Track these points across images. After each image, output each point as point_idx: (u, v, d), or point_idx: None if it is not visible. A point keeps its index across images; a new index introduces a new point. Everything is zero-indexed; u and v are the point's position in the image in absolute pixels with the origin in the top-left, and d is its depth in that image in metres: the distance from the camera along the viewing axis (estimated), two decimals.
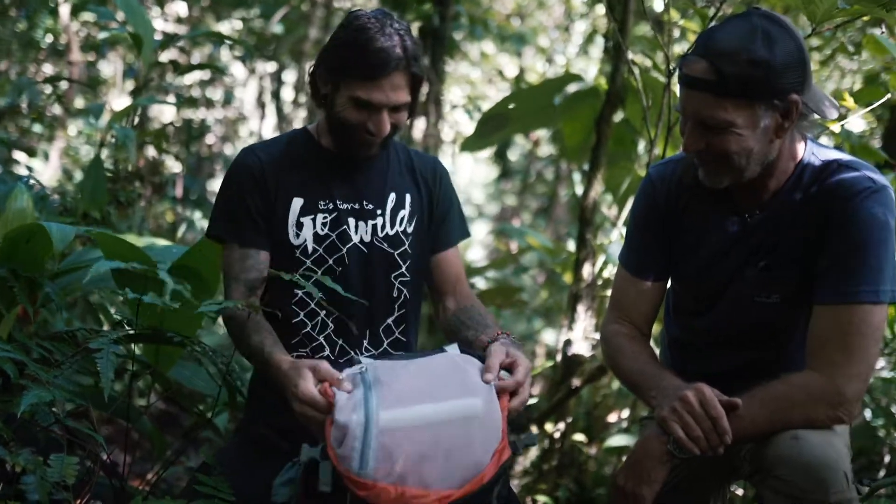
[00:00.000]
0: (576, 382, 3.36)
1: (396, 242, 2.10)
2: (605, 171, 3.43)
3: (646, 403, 1.96)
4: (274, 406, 1.96)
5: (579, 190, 5.77)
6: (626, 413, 4.46)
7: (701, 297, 2.02)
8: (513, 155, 9.94)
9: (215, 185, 8.62)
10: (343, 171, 2.08)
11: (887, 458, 3.26)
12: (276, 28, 7.87)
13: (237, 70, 9.58)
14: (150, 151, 3.66)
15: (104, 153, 3.33)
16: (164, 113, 7.43)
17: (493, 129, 3.50)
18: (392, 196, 2.11)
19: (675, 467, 1.81)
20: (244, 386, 2.28)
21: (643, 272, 2.06)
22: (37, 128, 6.17)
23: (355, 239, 2.06)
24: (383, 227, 2.08)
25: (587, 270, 3.41)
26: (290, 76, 9.61)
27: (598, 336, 3.49)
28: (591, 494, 3.75)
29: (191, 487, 1.84)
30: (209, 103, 8.40)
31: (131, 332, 2.05)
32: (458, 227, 2.23)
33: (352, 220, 2.06)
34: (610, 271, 3.50)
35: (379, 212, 2.09)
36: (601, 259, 3.53)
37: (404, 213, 2.12)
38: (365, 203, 2.08)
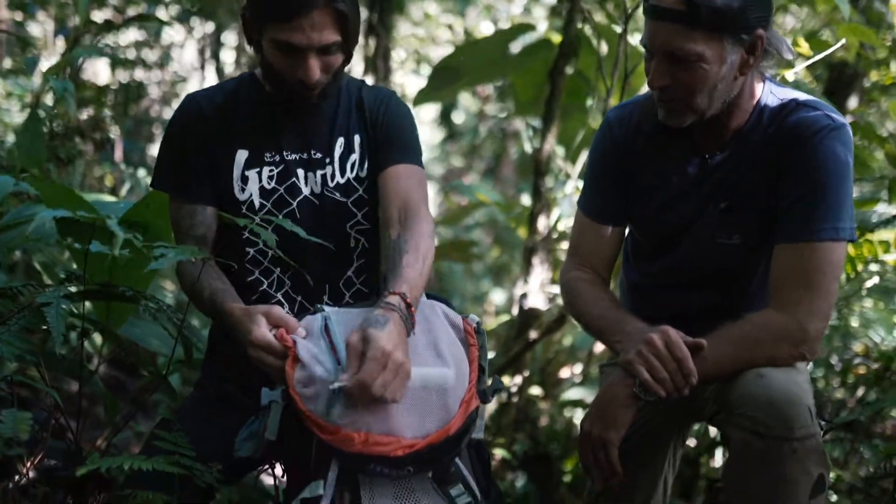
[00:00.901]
0: (533, 335, 3.36)
1: (349, 190, 1.99)
2: (559, 124, 3.41)
3: (610, 348, 1.96)
4: (234, 360, 1.90)
5: (529, 146, 5.77)
6: (578, 368, 4.50)
7: (661, 240, 2.02)
8: (458, 117, 9.88)
9: (155, 148, 8.39)
10: (289, 118, 1.97)
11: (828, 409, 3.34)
12: None
13: (174, 33, 9.28)
14: (87, 112, 3.52)
15: (40, 111, 3.18)
16: (100, 75, 7.17)
17: (445, 82, 3.44)
18: (340, 141, 2.00)
19: (639, 410, 1.81)
20: (201, 343, 2.22)
21: (602, 217, 2.05)
22: None
23: (305, 191, 1.97)
24: (333, 176, 1.98)
25: (542, 223, 3.40)
26: (230, 37, 9.36)
27: (554, 289, 3.49)
28: (546, 449, 3.78)
29: (150, 444, 1.79)
30: (146, 65, 8.14)
31: (79, 288, 1.97)
32: (401, 150, 1.97)
33: (300, 172, 1.97)
34: (565, 224, 3.49)
35: (327, 160, 1.98)
36: (556, 212, 3.52)
37: (354, 157, 2.00)
38: (312, 152, 1.98)
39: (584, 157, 3.66)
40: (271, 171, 1.96)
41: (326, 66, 1.85)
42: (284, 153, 1.97)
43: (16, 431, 1.42)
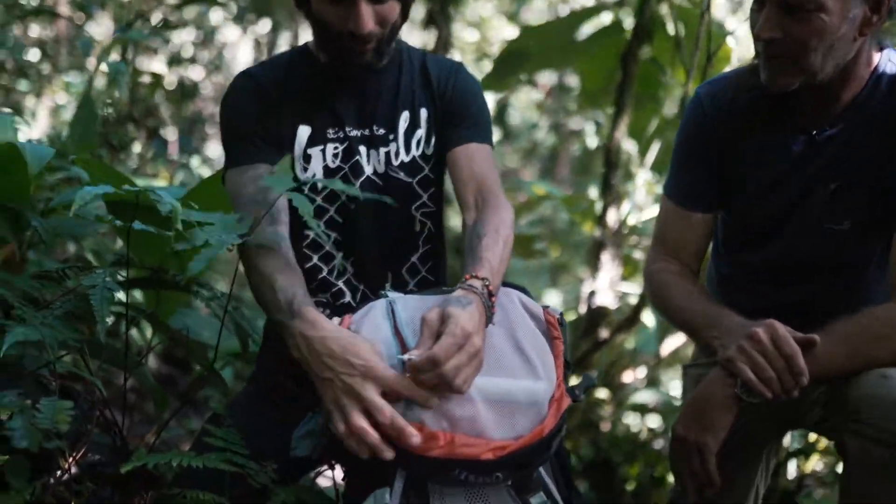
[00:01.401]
0: (603, 335, 3.17)
1: (414, 169, 1.84)
2: (631, 114, 3.22)
3: (704, 346, 1.77)
4: (289, 354, 1.77)
5: (594, 142, 5.58)
6: (642, 372, 4.29)
7: (759, 227, 1.82)
8: (513, 118, 9.71)
9: (209, 148, 8.37)
10: (348, 91, 1.82)
11: None
12: None
13: (230, 32, 9.27)
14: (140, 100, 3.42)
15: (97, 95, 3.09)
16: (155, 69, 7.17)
17: (510, 69, 3.27)
18: (405, 115, 1.84)
19: (739, 414, 1.62)
20: (257, 335, 2.08)
21: (692, 203, 1.86)
22: (23, 85, 5.91)
23: (367, 171, 1.82)
24: (397, 153, 1.83)
25: (612, 218, 3.21)
26: (285, 37, 9.32)
27: (624, 287, 3.31)
28: (608, 455, 3.58)
29: (200, 440, 1.65)
30: (200, 64, 8.13)
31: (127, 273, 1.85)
32: (473, 128, 1.82)
33: (363, 149, 1.82)
34: (636, 218, 3.30)
35: (391, 137, 1.83)
36: (626, 206, 3.33)
37: (420, 133, 1.84)
38: (375, 128, 1.83)
39: (656, 148, 3.47)
40: (336, 148, 1.81)
41: (380, 17, 1.69)
42: (347, 129, 1.82)
43: (55, 423, 1.29)
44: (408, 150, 1.84)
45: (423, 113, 1.85)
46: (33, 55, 5.69)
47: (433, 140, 1.85)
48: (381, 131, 1.83)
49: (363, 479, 1.47)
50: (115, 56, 3.08)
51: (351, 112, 1.82)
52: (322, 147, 1.81)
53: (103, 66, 2.86)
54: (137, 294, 2.29)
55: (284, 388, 1.83)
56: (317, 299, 1.81)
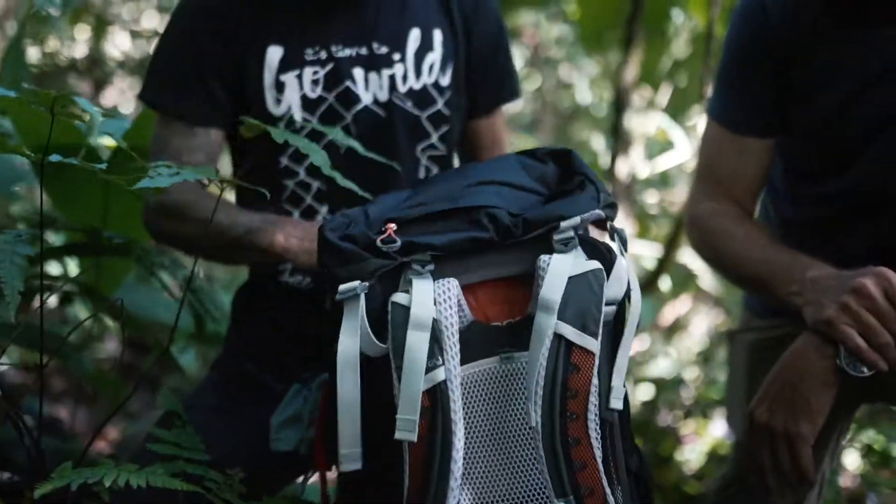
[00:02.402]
0: None
1: (424, 100, 1.51)
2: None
3: (781, 302, 1.41)
4: (266, 332, 1.51)
5: (583, 97, 5.21)
6: (645, 343, 3.96)
7: (839, 148, 1.47)
8: None
9: None
10: (339, 2, 1.48)
11: None
12: None
13: None
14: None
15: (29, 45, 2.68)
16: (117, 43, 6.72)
17: (510, 2, 2.90)
18: (415, 33, 1.51)
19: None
20: (219, 312, 1.72)
21: (747, 127, 1.51)
22: None
23: (366, 99, 1.48)
24: (405, 77, 1.50)
25: (624, 169, 2.85)
26: None
27: (637, 248, 2.96)
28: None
29: (144, 448, 1.29)
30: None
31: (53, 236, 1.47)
32: (503, 82, 1.63)
33: (358, 72, 1.47)
34: (650, 170, 2.95)
35: (397, 56, 1.49)
36: (637, 156, 2.98)
37: (434, 57, 1.52)
38: (375, 46, 1.49)
39: (666, 92, 3.11)
40: (316, 72, 1.46)
41: None
42: (332, 48, 1.47)
43: None
44: (418, 74, 1.51)
45: (438, 35, 1.53)
46: None
47: (450, 69, 1.53)
48: (384, 49, 1.49)
49: (363, 483, 1.12)
50: None
51: (339, 26, 1.48)
52: (298, 72, 1.46)
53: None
54: (73, 265, 1.91)
55: (254, 377, 1.49)
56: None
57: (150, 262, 1.52)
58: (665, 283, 3.24)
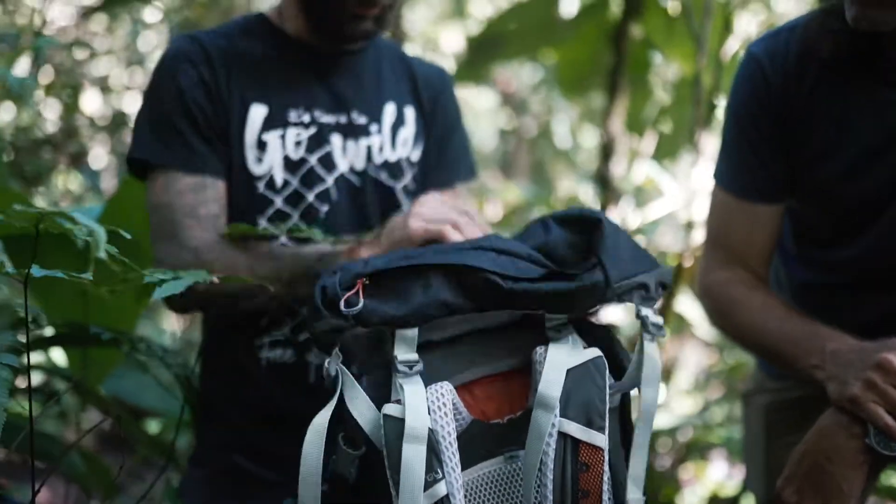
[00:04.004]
0: None
1: (398, 172, 1.50)
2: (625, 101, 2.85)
3: (801, 375, 1.36)
4: (245, 420, 1.42)
5: (562, 141, 5.21)
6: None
7: (850, 215, 1.43)
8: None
9: None
10: (320, 70, 1.46)
11: None
12: None
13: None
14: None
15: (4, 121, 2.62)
16: (88, 104, 6.63)
17: (486, 55, 2.89)
18: (390, 108, 1.50)
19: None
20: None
21: (755, 194, 1.47)
22: None
23: (342, 167, 1.45)
24: (381, 148, 1.48)
25: (613, 218, 2.81)
26: None
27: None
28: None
29: None
30: (132, 89, 7.59)
31: (41, 332, 1.40)
32: (462, 161, 1.60)
33: (336, 139, 1.45)
34: (639, 219, 2.92)
35: (375, 128, 1.48)
36: (625, 204, 2.95)
37: (407, 133, 1.51)
38: (354, 115, 1.47)
39: (651, 139, 3.10)
40: (299, 134, 1.43)
41: None
42: (316, 112, 1.44)
43: None
44: (393, 145, 1.49)
45: (410, 112, 1.53)
46: None
47: (420, 146, 1.53)
48: (363, 119, 1.48)
49: None
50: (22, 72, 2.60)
51: (320, 94, 1.46)
52: (281, 132, 1.43)
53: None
54: (60, 356, 1.83)
55: (243, 469, 1.41)
56: (278, 330, 1.41)
57: (142, 354, 1.45)
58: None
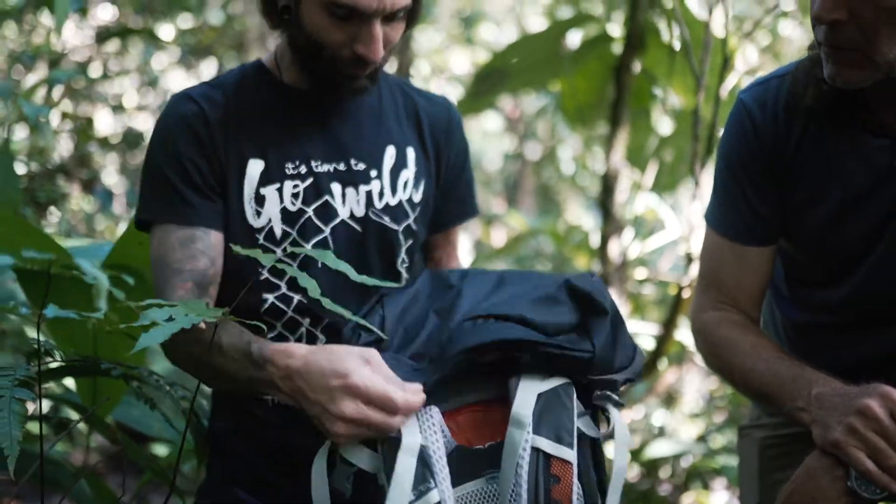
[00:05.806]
0: None
1: (400, 215, 1.52)
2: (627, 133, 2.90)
3: (788, 417, 1.40)
4: (248, 455, 1.47)
5: (566, 168, 5.26)
6: (639, 413, 3.94)
7: (838, 259, 1.47)
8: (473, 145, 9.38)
9: None
10: (318, 118, 1.50)
11: None
12: (215, 19, 7.18)
13: (176, 78, 8.83)
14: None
15: (19, 146, 2.68)
16: (100, 122, 6.70)
17: (491, 87, 2.94)
18: (390, 151, 1.53)
19: None
20: None
21: (746, 236, 1.51)
22: None
23: (343, 213, 1.48)
24: (381, 194, 1.51)
25: (615, 250, 2.86)
26: None
27: (631, 328, 2.95)
28: None
29: None
30: (146, 110, 7.68)
31: (52, 364, 1.45)
32: (466, 202, 1.65)
33: (336, 188, 1.48)
34: (640, 250, 2.96)
35: (374, 173, 1.51)
36: (628, 236, 2.99)
37: (408, 175, 1.54)
38: (353, 162, 1.50)
39: (652, 170, 3.14)
40: (296, 186, 1.46)
41: (387, 39, 1.39)
42: (313, 163, 1.48)
43: None
44: (393, 190, 1.52)
45: (412, 153, 1.56)
46: None
47: (422, 186, 1.55)
48: (361, 166, 1.50)
49: None
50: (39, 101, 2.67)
51: (318, 142, 1.49)
52: (279, 185, 1.46)
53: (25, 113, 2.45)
54: (70, 385, 1.87)
55: (244, 502, 1.45)
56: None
57: (151, 387, 1.49)
58: (663, 363, 3.23)
